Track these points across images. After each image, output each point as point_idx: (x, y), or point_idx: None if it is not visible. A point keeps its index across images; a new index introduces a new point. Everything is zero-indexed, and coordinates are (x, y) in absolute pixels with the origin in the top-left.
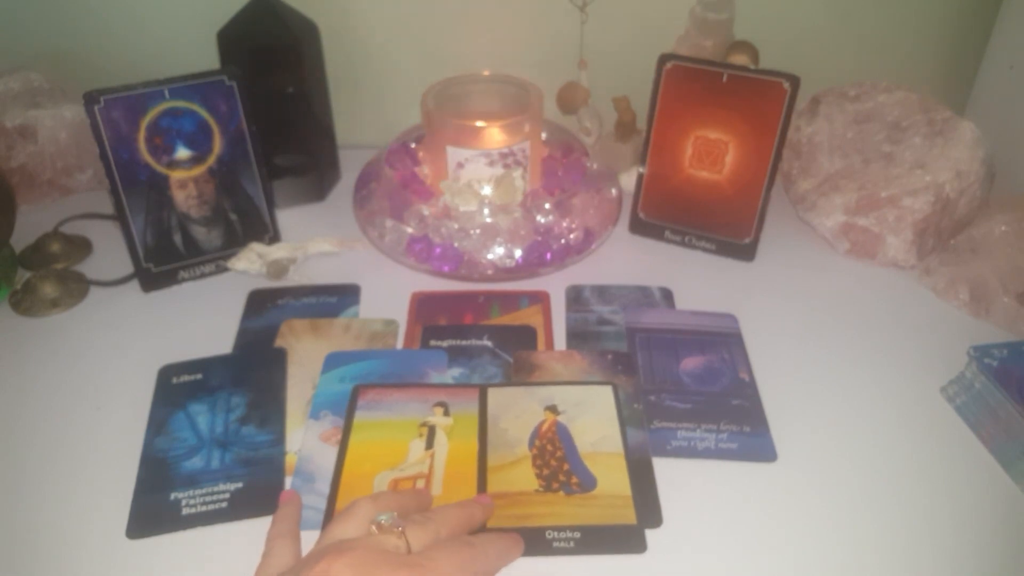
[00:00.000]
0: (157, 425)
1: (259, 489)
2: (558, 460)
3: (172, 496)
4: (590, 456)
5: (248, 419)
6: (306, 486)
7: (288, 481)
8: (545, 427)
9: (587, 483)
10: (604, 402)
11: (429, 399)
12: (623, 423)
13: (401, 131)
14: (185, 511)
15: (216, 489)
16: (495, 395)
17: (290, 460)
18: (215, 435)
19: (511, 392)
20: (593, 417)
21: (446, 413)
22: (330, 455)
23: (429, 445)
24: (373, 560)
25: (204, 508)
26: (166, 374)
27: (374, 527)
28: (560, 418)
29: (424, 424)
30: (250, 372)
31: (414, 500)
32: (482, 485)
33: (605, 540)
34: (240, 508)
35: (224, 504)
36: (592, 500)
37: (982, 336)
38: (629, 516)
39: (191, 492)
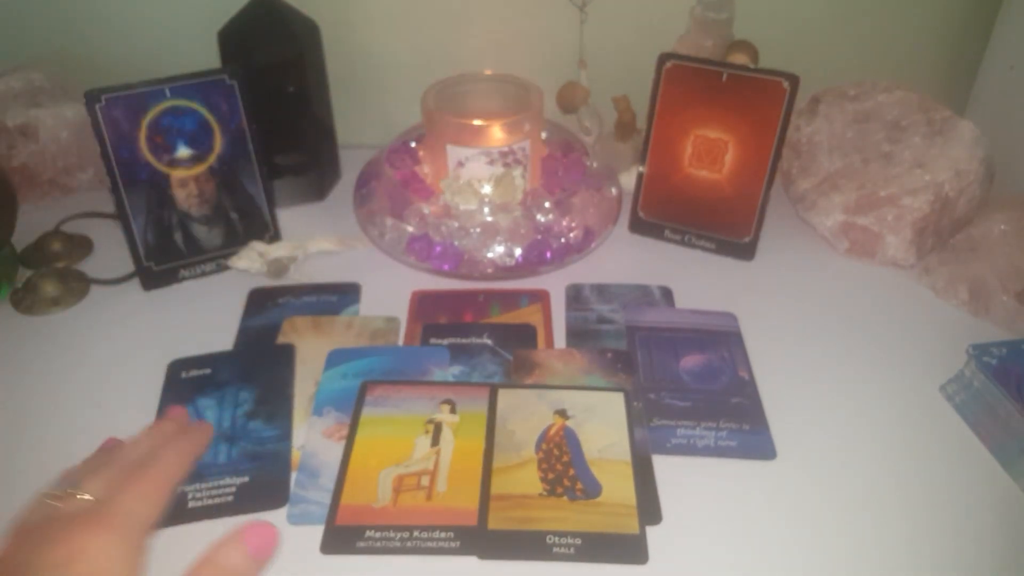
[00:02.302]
0: None
1: (265, 484)
2: (564, 465)
3: (179, 489)
4: (597, 463)
5: (255, 414)
6: (310, 482)
7: (293, 477)
8: (553, 431)
9: (592, 490)
10: (615, 408)
11: (436, 396)
12: (632, 431)
13: (401, 130)
14: (191, 504)
15: (222, 483)
16: (505, 396)
17: (295, 456)
18: (222, 429)
19: (521, 394)
20: (602, 423)
21: (453, 411)
22: (333, 451)
23: (435, 442)
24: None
25: (210, 501)
26: (175, 369)
27: (47, 499)
28: (569, 423)
29: (431, 421)
30: (258, 368)
31: (103, 456)
32: (486, 485)
33: (606, 548)
34: (246, 502)
35: (230, 498)
36: (596, 507)
37: (981, 335)
38: (632, 525)
39: (197, 485)
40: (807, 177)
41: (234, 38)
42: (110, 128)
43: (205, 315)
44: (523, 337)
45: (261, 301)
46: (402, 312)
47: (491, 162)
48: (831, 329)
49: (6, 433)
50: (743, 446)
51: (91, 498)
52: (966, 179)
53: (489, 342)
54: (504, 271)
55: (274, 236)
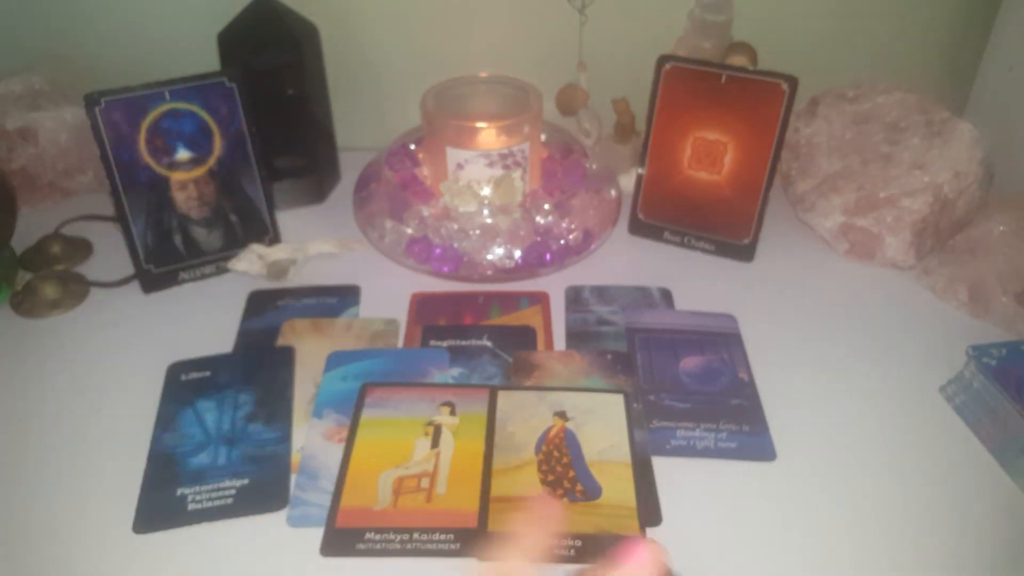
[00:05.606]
0: (165, 421)
1: (265, 486)
2: (564, 466)
3: (178, 492)
4: (597, 464)
5: (255, 416)
6: (310, 484)
7: (293, 479)
8: (553, 432)
9: (591, 491)
10: (614, 410)
11: (436, 398)
12: (632, 432)
13: (401, 132)
14: (191, 507)
15: (222, 485)
16: (505, 398)
17: (295, 458)
18: (222, 432)
19: (521, 396)
20: (602, 425)
21: (452, 413)
22: (334, 453)
23: (435, 444)
24: None
25: (210, 504)
26: (175, 371)
27: None
28: (569, 424)
29: (430, 423)
30: (258, 370)
31: None
32: (486, 487)
33: (606, 549)
34: (245, 504)
35: (230, 500)
36: (595, 509)
37: (981, 336)
38: (632, 527)
39: (197, 488)
40: (806, 178)
41: (234, 41)
42: (110, 131)
43: (205, 317)
44: (523, 339)
45: (261, 303)
46: (402, 314)
47: (490, 164)
48: (831, 330)
49: (6, 436)
50: (743, 447)
51: None
52: (965, 180)
53: (489, 344)
54: (504, 273)
55: (274, 238)
